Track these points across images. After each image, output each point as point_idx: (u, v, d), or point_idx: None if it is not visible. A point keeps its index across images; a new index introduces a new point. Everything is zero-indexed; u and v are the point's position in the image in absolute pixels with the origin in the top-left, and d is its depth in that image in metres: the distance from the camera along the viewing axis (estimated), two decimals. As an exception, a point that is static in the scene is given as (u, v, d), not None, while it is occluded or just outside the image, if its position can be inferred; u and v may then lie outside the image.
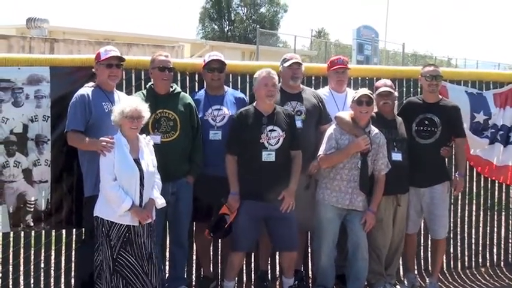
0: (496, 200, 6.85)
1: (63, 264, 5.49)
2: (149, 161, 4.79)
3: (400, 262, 6.23)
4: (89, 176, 4.96)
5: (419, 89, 6.25)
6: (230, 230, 5.29)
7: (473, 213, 6.77)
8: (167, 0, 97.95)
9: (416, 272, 6.32)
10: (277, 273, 6.05)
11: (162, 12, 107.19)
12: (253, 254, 5.94)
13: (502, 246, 6.90)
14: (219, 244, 5.91)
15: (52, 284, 5.46)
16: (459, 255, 6.72)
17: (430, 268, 6.40)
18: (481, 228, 6.82)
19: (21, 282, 5.38)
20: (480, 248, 6.82)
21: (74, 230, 5.45)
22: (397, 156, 5.62)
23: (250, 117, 5.27)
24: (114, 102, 4.97)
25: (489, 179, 6.75)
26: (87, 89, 5.02)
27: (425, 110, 5.82)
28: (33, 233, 5.36)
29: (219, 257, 5.95)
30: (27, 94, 5.15)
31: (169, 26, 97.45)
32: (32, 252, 5.38)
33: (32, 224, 5.26)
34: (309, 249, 6.02)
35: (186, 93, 5.62)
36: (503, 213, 6.90)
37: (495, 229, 6.87)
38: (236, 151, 5.26)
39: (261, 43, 25.36)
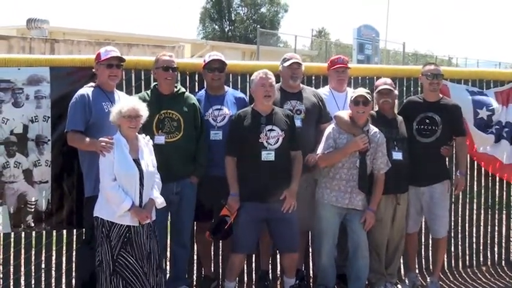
0: (496, 199, 6.84)
1: (64, 265, 5.50)
2: (149, 160, 4.79)
3: (401, 261, 6.23)
4: (89, 176, 4.96)
5: (419, 88, 6.25)
6: (231, 232, 5.29)
7: (474, 212, 6.77)
8: (167, 1, 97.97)
9: (417, 271, 6.32)
10: (278, 272, 6.05)
11: (162, 13, 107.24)
12: (254, 254, 5.93)
13: (503, 245, 6.89)
14: (220, 244, 5.91)
15: (53, 284, 5.47)
16: (460, 254, 6.71)
17: (431, 267, 6.39)
18: (481, 227, 6.81)
19: (22, 282, 5.39)
20: (481, 247, 6.81)
21: (75, 230, 5.46)
22: (397, 156, 5.62)
23: (249, 117, 5.27)
24: (115, 102, 4.97)
25: (490, 177, 6.74)
26: (87, 89, 5.02)
27: (426, 108, 5.82)
28: (34, 233, 5.37)
29: (220, 257, 5.95)
30: (27, 94, 5.16)
31: (170, 27, 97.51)
32: (33, 252, 5.39)
33: (32, 224, 5.26)
34: (310, 249, 6.02)
35: (190, 93, 5.61)
36: (504, 212, 6.89)
37: (496, 228, 6.86)
38: (235, 152, 5.26)
39: (262, 43, 25.38)
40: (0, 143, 5.12)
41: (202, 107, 5.51)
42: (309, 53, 31.47)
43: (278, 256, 5.91)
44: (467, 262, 6.74)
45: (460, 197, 6.62)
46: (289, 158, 5.31)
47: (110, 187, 4.62)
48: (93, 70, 5.14)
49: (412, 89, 6.42)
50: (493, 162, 6.59)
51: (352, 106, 5.40)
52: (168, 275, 5.64)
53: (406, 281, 6.12)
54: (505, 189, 6.85)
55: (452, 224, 6.54)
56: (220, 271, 5.93)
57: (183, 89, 5.46)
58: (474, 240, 6.79)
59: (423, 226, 6.31)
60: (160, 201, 4.83)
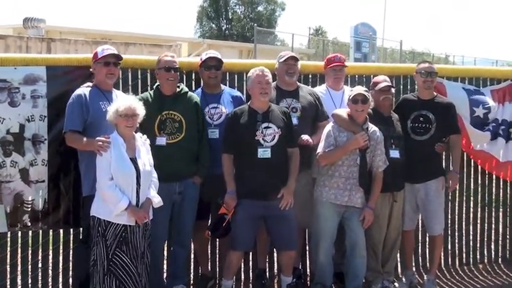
0: (493, 197, 6.85)
1: (61, 264, 5.50)
2: (146, 160, 4.79)
3: (398, 259, 6.24)
4: (87, 176, 4.96)
5: (416, 86, 6.25)
6: (229, 229, 5.29)
7: (471, 210, 6.77)
8: (164, 0, 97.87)
9: (414, 269, 6.32)
10: (275, 271, 6.06)
11: (160, 12, 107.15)
12: (251, 252, 5.94)
13: (500, 242, 6.91)
14: (217, 243, 5.91)
15: (50, 283, 5.47)
16: (457, 252, 6.73)
17: (428, 265, 6.40)
18: (478, 225, 6.82)
19: (19, 282, 5.39)
20: (478, 245, 6.82)
21: (72, 229, 5.46)
22: (394, 153, 5.62)
23: (245, 115, 5.27)
24: (112, 101, 4.95)
25: (486, 175, 6.76)
26: (84, 89, 5.02)
27: (420, 106, 5.83)
28: (30, 232, 5.36)
29: (217, 256, 5.95)
30: (24, 94, 5.15)
31: (169, 26, 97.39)
32: (30, 252, 5.38)
33: (29, 223, 5.26)
34: (307, 247, 6.02)
35: (193, 93, 5.60)
36: (501, 209, 6.91)
37: (493, 226, 6.87)
38: (232, 150, 5.26)
39: (259, 41, 25.35)
40: (-3, 143, 5.11)
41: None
42: (306, 51, 31.49)
43: (275, 254, 5.92)
44: (464, 260, 6.75)
45: (457, 195, 6.63)
46: (286, 155, 5.30)
47: (107, 186, 4.62)
48: (91, 70, 5.13)
49: (409, 87, 6.43)
50: (489, 160, 6.60)
51: (351, 104, 5.40)
52: (165, 274, 5.64)
53: (403, 279, 6.13)
54: (501, 187, 6.86)
55: (449, 222, 6.55)
56: (218, 270, 5.93)
57: (186, 89, 5.45)
58: (471, 238, 6.80)
59: (419, 224, 6.31)
60: (157, 201, 4.83)
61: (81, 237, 5.32)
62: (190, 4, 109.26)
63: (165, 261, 5.69)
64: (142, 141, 4.86)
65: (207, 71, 5.54)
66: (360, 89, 5.44)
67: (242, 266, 5.95)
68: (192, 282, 5.89)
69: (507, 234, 6.93)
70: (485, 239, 6.85)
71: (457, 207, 6.68)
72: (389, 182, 5.56)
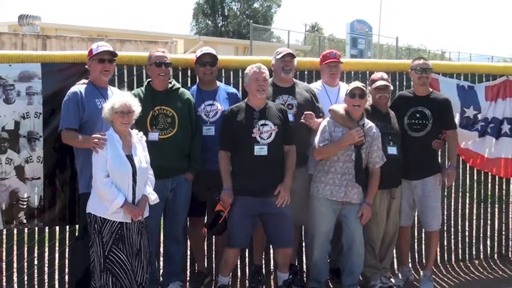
0: (489, 193, 6.87)
1: (57, 261, 5.49)
2: (142, 157, 4.78)
3: (395, 255, 6.25)
4: (83, 173, 4.95)
5: (412, 82, 6.25)
6: (226, 227, 5.29)
7: (467, 206, 6.80)
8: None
9: (410, 265, 6.33)
10: (272, 267, 6.06)
11: (155, 8, 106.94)
12: (247, 248, 5.93)
13: (496, 238, 6.93)
14: (213, 239, 5.91)
15: (46, 281, 5.46)
16: (453, 248, 6.74)
17: (424, 261, 6.41)
18: (474, 221, 6.84)
19: (15, 279, 5.38)
20: (474, 241, 6.84)
21: (67, 226, 5.45)
22: (392, 150, 5.63)
23: (242, 112, 5.26)
24: (108, 98, 4.94)
25: (482, 172, 6.77)
26: (79, 86, 5.01)
27: (416, 103, 5.83)
28: (26, 230, 5.35)
29: (214, 252, 5.95)
30: (19, 91, 5.14)
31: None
32: (26, 249, 5.37)
33: (24, 221, 5.24)
34: (303, 244, 6.02)
35: (184, 89, 5.60)
36: (497, 205, 6.92)
37: (488, 222, 6.90)
38: (228, 147, 5.26)
39: (255, 38, 25.36)
40: (-8, 140, 5.10)
41: (194, 103, 5.50)
42: (302, 47, 31.49)
43: (271, 250, 5.92)
44: (460, 256, 6.77)
45: (453, 191, 6.65)
46: (282, 153, 5.31)
47: (103, 184, 4.61)
48: (86, 66, 5.12)
49: (404, 83, 6.43)
50: (474, 157, 6.65)
51: (348, 99, 5.40)
52: (161, 271, 5.64)
53: (399, 275, 6.14)
54: (497, 183, 6.88)
55: (445, 218, 6.56)
56: (214, 266, 5.93)
57: (177, 85, 5.45)
58: (467, 234, 6.82)
59: (416, 220, 6.32)
60: (153, 198, 4.83)
61: (77, 234, 5.31)
62: (185, 1, 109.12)
63: (161, 258, 5.70)
64: (138, 138, 4.85)
65: (202, 68, 5.54)
66: (357, 84, 5.44)
67: (238, 262, 5.95)
68: (188, 279, 5.88)
69: (503, 230, 6.94)
70: (481, 235, 6.87)
71: (453, 203, 6.69)
72: (387, 179, 5.57)
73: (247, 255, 6.03)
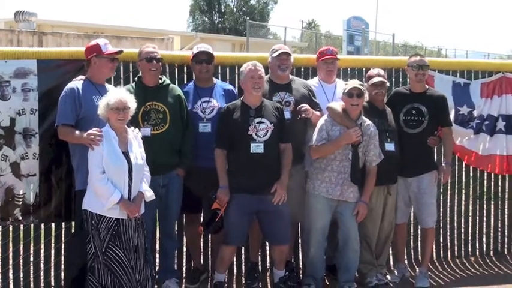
0: (485, 190, 6.87)
1: (53, 258, 5.48)
2: (138, 153, 4.78)
3: (391, 252, 6.26)
4: (80, 170, 4.94)
5: (408, 79, 6.25)
6: (222, 225, 5.29)
7: (463, 202, 6.80)
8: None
9: (406, 262, 6.34)
10: (268, 264, 6.06)
11: (152, 5, 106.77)
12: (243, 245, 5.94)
13: (492, 235, 6.93)
14: (209, 236, 5.91)
15: (42, 277, 5.46)
16: (449, 244, 6.75)
17: (420, 258, 6.41)
18: (470, 218, 6.84)
19: (11, 276, 5.37)
20: (469, 238, 6.85)
21: (63, 223, 5.44)
22: (390, 147, 5.64)
23: (238, 110, 5.26)
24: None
25: (478, 169, 6.78)
26: (76, 83, 5.00)
27: (412, 99, 5.83)
28: (22, 226, 5.34)
29: (210, 249, 5.94)
30: (14, 87, 5.13)
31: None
32: (21, 246, 5.36)
33: (20, 217, 5.24)
34: (300, 241, 6.02)
35: (175, 85, 5.60)
36: (492, 202, 6.93)
37: (484, 218, 6.90)
38: (225, 145, 5.25)
39: (251, 35, 25.30)
40: (-13, 136, 5.08)
41: (191, 99, 5.50)
42: (298, 44, 31.47)
43: (267, 247, 5.92)
44: (455, 252, 6.78)
45: (449, 187, 6.65)
46: (278, 150, 5.30)
47: (99, 180, 4.61)
48: (87, 61, 5.08)
49: (401, 79, 6.43)
50: (469, 154, 6.66)
51: (346, 98, 5.40)
52: (157, 268, 5.64)
53: (396, 272, 6.15)
54: (493, 179, 6.88)
55: (441, 214, 6.56)
56: (210, 263, 5.93)
57: (168, 81, 5.45)
58: (462, 230, 6.82)
59: (412, 217, 6.33)
60: (149, 195, 4.82)
61: (73, 231, 5.31)
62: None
63: (157, 255, 5.70)
64: (134, 135, 4.84)
65: (198, 66, 5.53)
66: (355, 83, 5.43)
67: (234, 259, 5.95)
68: (184, 275, 5.88)
69: (499, 227, 6.95)
70: (477, 232, 6.87)
71: (448, 200, 6.70)
72: (385, 175, 5.58)
73: (243, 252, 6.03)
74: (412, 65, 5.85)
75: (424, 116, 5.77)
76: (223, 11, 48.27)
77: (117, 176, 4.65)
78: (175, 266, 5.73)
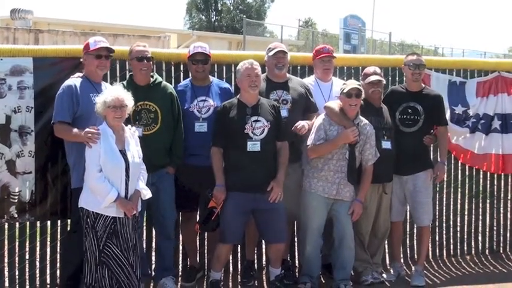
0: (480, 188, 6.89)
1: (48, 256, 5.47)
2: (135, 152, 4.78)
3: (386, 251, 6.26)
4: (76, 168, 4.93)
5: (404, 78, 6.26)
6: (219, 223, 5.28)
7: (458, 201, 6.80)
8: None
9: (402, 260, 6.34)
10: (264, 262, 6.06)
11: (149, 3, 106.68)
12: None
13: (487, 234, 6.94)
14: (205, 234, 5.90)
15: (37, 275, 5.44)
16: (444, 243, 6.75)
17: (415, 256, 6.42)
18: (466, 217, 6.85)
19: (6, 274, 5.36)
20: (465, 236, 6.85)
21: (59, 221, 5.43)
22: (386, 145, 5.65)
23: (234, 108, 5.26)
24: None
25: (474, 167, 6.79)
26: (74, 80, 4.99)
27: (408, 98, 5.85)
28: (17, 224, 5.33)
29: (206, 247, 5.94)
30: (10, 85, 5.11)
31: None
32: (17, 243, 5.35)
33: (16, 215, 5.22)
34: (296, 239, 6.03)
35: (171, 83, 5.59)
36: (488, 201, 6.94)
37: (480, 217, 6.91)
38: (221, 143, 5.25)
39: (248, 33, 25.30)
40: (-17, 134, 5.07)
41: (187, 98, 5.49)
42: (295, 43, 31.46)
43: (264, 246, 5.92)
44: (451, 251, 6.79)
45: (445, 186, 6.65)
46: (275, 149, 5.31)
47: (96, 178, 4.60)
48: (81, 60, 5.10)
49: (397, 78, 6.44)
50: (465, 153, 6.67)
51: (344, 98, 5.39)
52: (153, 266, 5.63)
53: (391, 271, 6.16)
54: (488, 178, 6.89)
55: (437, 213, 6.57)
56: (206, 261, 5.93)
57: (159, 79, 5.42)
58: (458, 229, 6.83)
59: (408, 215, 6.33)
60: (146, 193, 4.82)
61: (69, 228, 5.30)
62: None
63: (153, 253, 5.69)
64: (131, 133, 4.83)
65: (194, 65, 5.52)
66: (353, 83, 5.44)
67: (230, 257, 5.95)
68: (180, 273, 5.88)
69: (494, 226, 6.96)
70: (473, 231, 6.88)
71: (444, 199, 6.71)
72: (381, 173, 5.59)
73: (239, 250, 6.03)
74: (408, 64, 5.86)
75: (420, 115, 5.78)
76: (220, 9, 48.20)
77: (114, 174, 4.64)
78: (172, 265, 5.72)
